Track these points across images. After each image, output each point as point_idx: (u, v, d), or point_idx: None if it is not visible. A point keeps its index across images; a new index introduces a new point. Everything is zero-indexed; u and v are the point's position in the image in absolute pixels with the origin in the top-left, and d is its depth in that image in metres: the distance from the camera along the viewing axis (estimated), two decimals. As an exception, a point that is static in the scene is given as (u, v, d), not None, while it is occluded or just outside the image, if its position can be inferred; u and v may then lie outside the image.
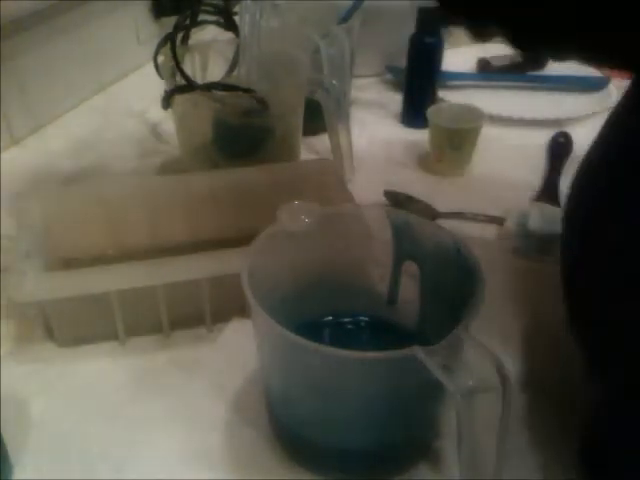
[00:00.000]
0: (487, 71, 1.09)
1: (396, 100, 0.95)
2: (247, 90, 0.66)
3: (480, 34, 0.41)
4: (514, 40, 0.39)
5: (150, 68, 0.72)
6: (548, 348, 0.56)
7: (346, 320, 0.54)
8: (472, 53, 1.12)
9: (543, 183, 0.80)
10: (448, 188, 0.80)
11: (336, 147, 0.75)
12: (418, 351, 0.35)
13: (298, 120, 0.78)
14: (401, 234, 0.50)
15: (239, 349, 0.56)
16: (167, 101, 0.70)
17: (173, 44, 0.67)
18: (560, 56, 0.44)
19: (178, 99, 0.75)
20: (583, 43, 0.36)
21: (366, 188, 0.74)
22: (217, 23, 0.75)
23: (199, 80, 0.72)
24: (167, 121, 0.84)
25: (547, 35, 0.37)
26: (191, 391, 0.52)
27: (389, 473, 0.46)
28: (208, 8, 0.77)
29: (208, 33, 0.77)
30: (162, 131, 0.90)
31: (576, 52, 0.39)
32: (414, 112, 0.91)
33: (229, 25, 0.75)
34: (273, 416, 0.48)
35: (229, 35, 0.75)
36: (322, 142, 0.82)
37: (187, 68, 0.78)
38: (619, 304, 0.36)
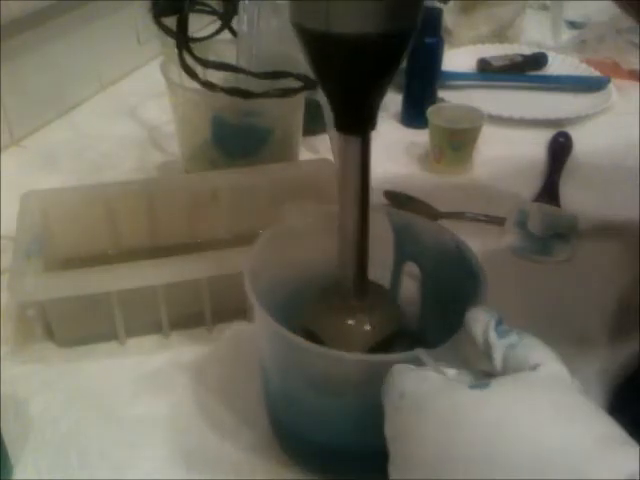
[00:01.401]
0: (487, 71, 1.09)
1: (396, 100, 0.95)
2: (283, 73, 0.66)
3: None
4: None
5: (150, 68, 0.72)
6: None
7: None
8: (472, 53, 1.12)
9: (543, 183, 0.80)
10: (448, 188, 0.80)
11: (336, 147, 0.75)
12: (422, 354, 0.35)
13: (298, 120, 0.78)
14: (402, 235, 0.50)
15: (239, 349, 0.56)
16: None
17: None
18: None
19: (178, 99, 0.75)
20: None
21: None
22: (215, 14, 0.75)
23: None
24: (167, 121, 0.84)
25: None
26: (191, 391, 0.52)
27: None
28: (204, 8, 0.77)
29: (208, 32, 0.77)
30: (162, 131, 0.90)
31: None
32: (414, 112, 0.91)
33: (228, 26, 0.75)
34: (273, 416, 0.48)
35: (229, 34, 0.75)
36: (322, 142, 0.82)
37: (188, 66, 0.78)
38: None
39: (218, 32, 0.77)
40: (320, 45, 0.35)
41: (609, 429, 0.28)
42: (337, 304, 0.44)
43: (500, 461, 0.27)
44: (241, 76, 0.69)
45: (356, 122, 0.38)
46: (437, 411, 0.30)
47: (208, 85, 0.65)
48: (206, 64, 0.68)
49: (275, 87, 0.67)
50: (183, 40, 0.65)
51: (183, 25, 0.64)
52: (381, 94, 0.37)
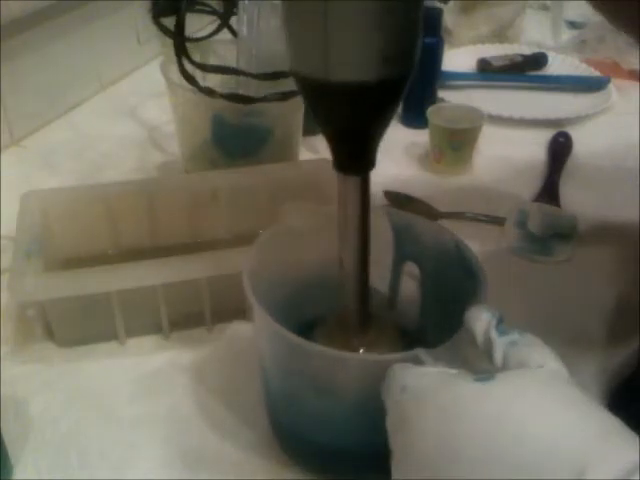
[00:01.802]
0: (487, 71, 1.09)
1: (396, 100, 0.95)
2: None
3: None
4: None
5: (150, 68, 0.72)
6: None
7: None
8: (472, 53, 1.12)
9: (543, 183, 0.80)
10: (448, 188, 0.80)
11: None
12: (421, 353, 0.35)
13: (298, 120, 0.78)
14: (402, 235, 0.50)
15: (239, 349, 0.56)
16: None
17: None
18: None
19: (178, 99, 0.75)
20: None
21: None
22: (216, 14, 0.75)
23: (199, 80, 0.72)
24: (167, 121, 0.84)
25: None
26: (191, 391, 0.52)
27: (389, 473, 0.46)
28: (204, 8, 0.77)
29: (208, 32, 0.77)
30: (162, 131, 0.90)
31: None
32: (414, 112, 0.91)
33: (226, 25, 0.75)
34: (273, 416, 0.48)
35: (229, 35, 0.75)
36: (322, 142, 0.82)
37: (187, 67, 0.78)
38: None
39: (216, 32, 0.76)
40: (319, 93, 0.35)
41: (609, 422, 0.28)
42: (339, 341, 0.44)
43: (501, 454, 0.27)
44: (241, 77, 0.69)
45: (355, 162, 0.38)
46: (439, 403, 0.30)
47: (207, 91, 0.65)
48: (204, 68, 0.68)
49: (276, 87, 0.67)
50: (181, 42, 0.65)
51: (180, 27, 0.64)
52: (380, 134, 0.37)
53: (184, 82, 0.72)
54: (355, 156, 0.38)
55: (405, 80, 0.35)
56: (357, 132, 0.37)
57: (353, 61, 0.33)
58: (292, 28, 0.35)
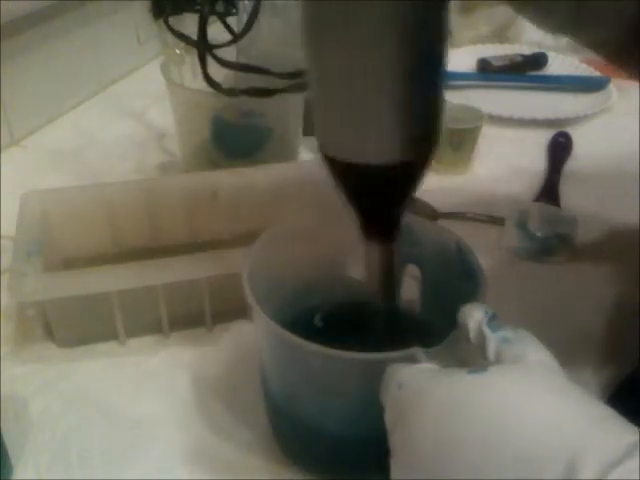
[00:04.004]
0: (487, 71, 1.09)
1: (396, 100, 0.95)
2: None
3: None
4: None
5: (150, 68, 0.72)
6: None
7: (347, 320, 0.54)
8: (472, 53, 1.12)
9: (543, 183, 0.80)
10: (448, 188, 0.80)
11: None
12: (418, 352, 0.35)
13: (298, 120, 0.78)
14: (402, 236, 0.50)
15: (239, 349, 0.56)
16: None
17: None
18: None
19: (178, 99, 0.75)
20: None
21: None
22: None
23: (199, 80, 0.72)
24: (167, 121, 0.84)
25: None
26: (191, 391, 0.52)
27: (389, 473, 0.46)
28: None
29: (209, 33, 0.77)
30: (162, 131, 0.90)
31: None
32: (414, 112, 0.91)
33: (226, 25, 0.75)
34: (273, 416, 0.48)
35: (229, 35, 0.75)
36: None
37: (187, 67, 0.78)
38: None
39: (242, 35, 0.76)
40: (353, 174, 0.38)
41: (604, 410, 0.29)
42: None
43: (497, 442, 0.28)
44: (240, 78, 0.69)
45: (380, 234, 0.40)
46: (436, 395, 0.31)
47: (230, 92, 0.65)
48: (228, 65, 0.67)
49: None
50: (205, 46, 0.64)
51: (203, 30, 0.63)
52: (405, 205, 0.40)
53: (184, 82, 0.72)
54: (380, 229, 0.40)
55: (428, 159, 0.39)
56: (384, 207, 0.39)
57: (382, 145, 0.36)
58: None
